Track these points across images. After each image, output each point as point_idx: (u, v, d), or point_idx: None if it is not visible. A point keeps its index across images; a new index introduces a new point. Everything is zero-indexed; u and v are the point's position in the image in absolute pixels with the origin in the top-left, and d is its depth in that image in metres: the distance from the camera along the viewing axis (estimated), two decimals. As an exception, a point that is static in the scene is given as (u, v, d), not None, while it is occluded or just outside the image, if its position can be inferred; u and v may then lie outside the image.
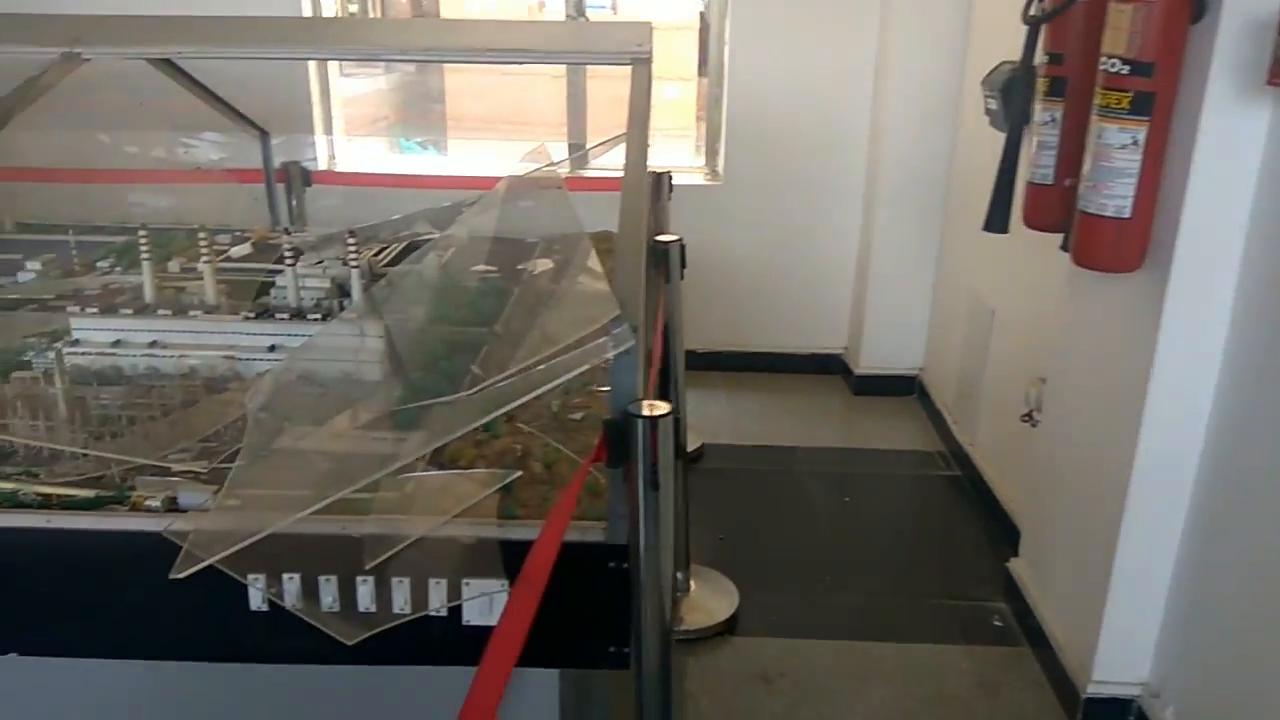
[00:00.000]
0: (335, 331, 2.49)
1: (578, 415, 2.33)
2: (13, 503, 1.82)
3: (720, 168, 5.90)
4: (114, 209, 4.55)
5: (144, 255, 2.70)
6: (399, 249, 3.81)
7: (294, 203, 4.26)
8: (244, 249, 3.76)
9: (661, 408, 1.55)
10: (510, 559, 1.70)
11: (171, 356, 2.47)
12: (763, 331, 6.00)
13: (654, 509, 1.59)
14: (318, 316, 2.55)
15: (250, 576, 1.75)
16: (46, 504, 1.83)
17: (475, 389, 1.93)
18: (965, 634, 3.86)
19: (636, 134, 2.32)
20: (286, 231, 3.40)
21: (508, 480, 1.88)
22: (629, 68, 2.89)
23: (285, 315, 2.55)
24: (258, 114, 4.21)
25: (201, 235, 2.70)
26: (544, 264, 3.66)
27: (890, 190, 5.52)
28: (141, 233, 2.69)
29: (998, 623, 3.92)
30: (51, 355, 2.48)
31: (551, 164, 3.77)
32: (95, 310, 2.55)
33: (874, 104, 5.64)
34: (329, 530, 1.75)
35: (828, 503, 4.75)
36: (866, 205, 5.79)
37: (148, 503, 1.81)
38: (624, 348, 1.54)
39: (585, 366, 1.62)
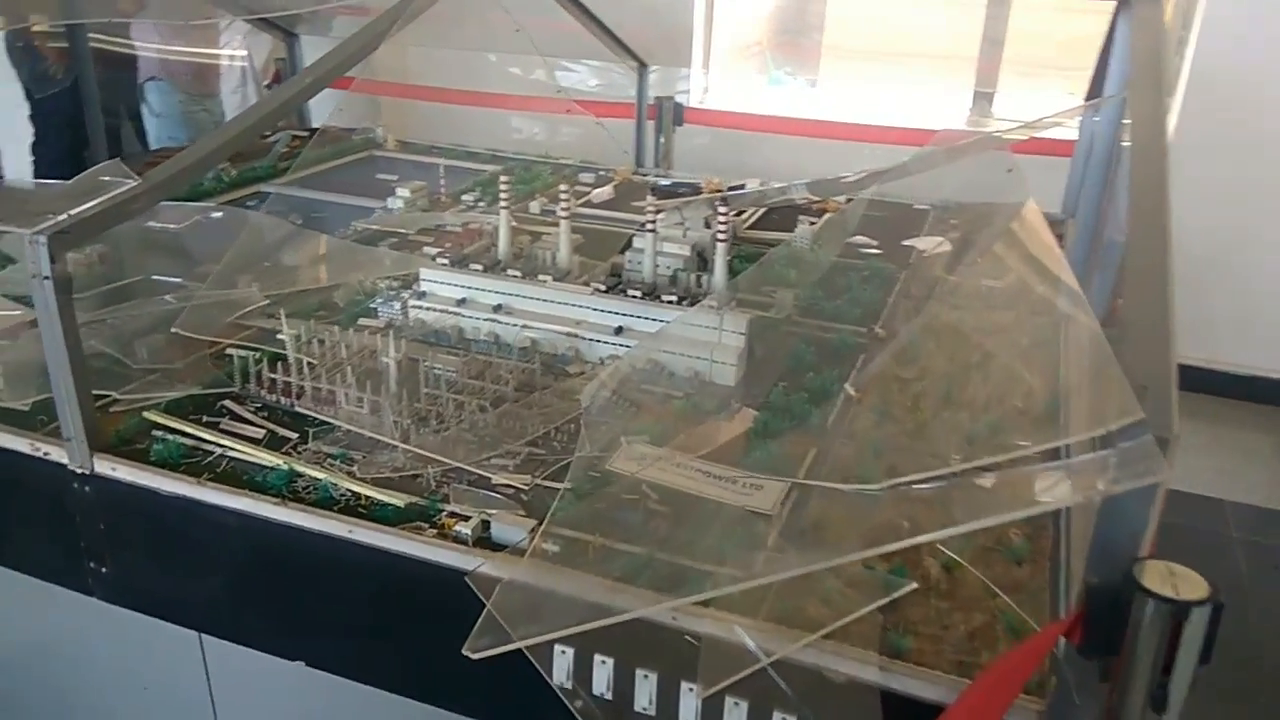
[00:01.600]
0: (693, 321, 2.09)
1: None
2: (323, 495, 1.61)
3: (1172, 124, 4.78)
4: (488, 133, 4.52)
5: (502, 202, 2.45)
6: (760, 211, 3.37)
7: (662, 141, 3.93)
8: (606, 192, 3.50)
9: (1192, 584, 0.96)
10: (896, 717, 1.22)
11: (514, 325, 2.21)
12: (1193, 339, 4.91)
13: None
14: (674, 298, 2.16)
15: (558, 648, 1.41)
16: (354, 505, 1.60)
17: (885, 484, 1.44)
18: None
19: (1147, 96, 1.65)
20: (652, 190, 3.06)
21: (898, 593, 1.39)
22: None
23: (638, 293, 2.19)
24: (636, 43, 3.90)
25: (563, 192, 2.38)
26: (935, 242, 3.06)
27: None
28: (503, 182, 2.43)
29: None
30: (398, 306, 2.32)
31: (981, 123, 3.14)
32: (446, 262, 2.33)
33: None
34: (655, 616, 1.36)
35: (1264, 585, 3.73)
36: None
37: (457, 529, 1.52)
38: (1144, 478, 0.97)
39: (1061, 503, 1.07)
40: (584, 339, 2.17)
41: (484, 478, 1.70)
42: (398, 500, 1.60)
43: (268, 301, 2.31)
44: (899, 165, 2.66)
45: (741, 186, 3.55)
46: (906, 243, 3.03)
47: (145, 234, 2.75)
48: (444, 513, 1.59)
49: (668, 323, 2.13)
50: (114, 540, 1.75)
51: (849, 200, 3.37)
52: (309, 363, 1.93)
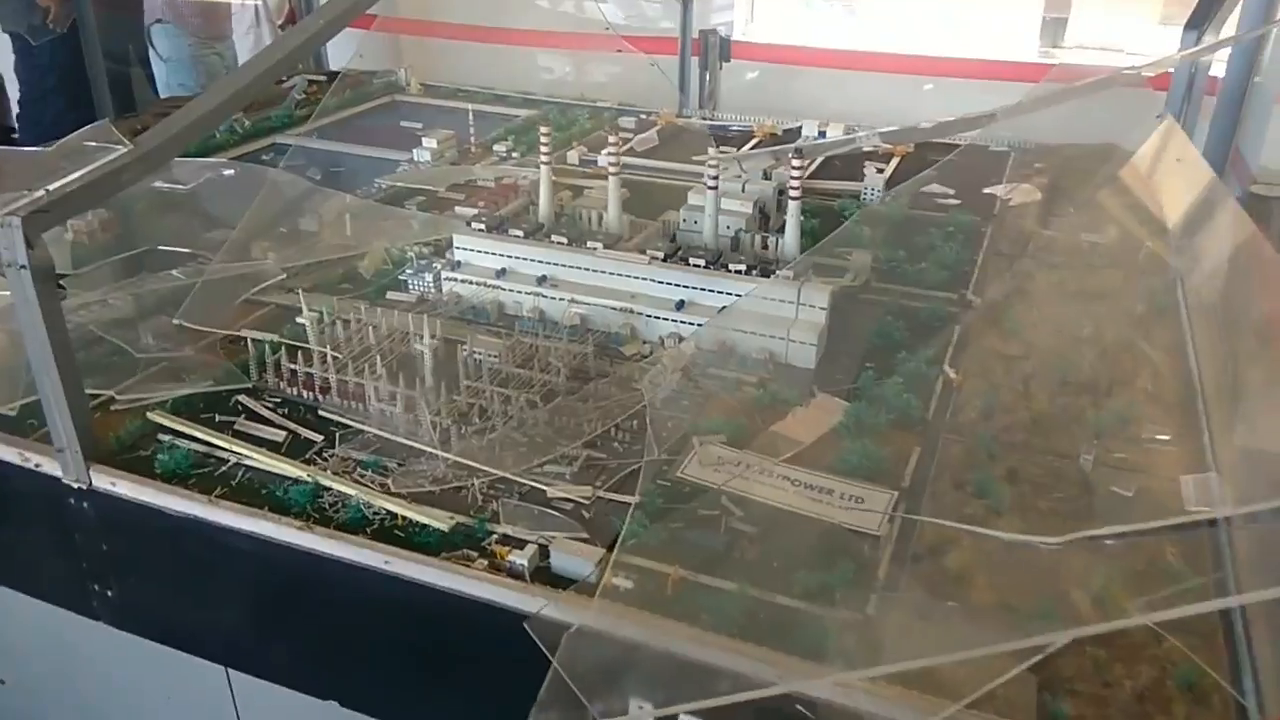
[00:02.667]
0: (768, 295, 1.83)
1: (1129, 491, 1.50)
2: (354, 515, 1.38)
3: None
4: (516, 74, 4.20)
5: (543, 157, 2.18)
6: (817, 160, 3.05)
7: (708, 78, 3.60)
8: (649, 138, 3.20)
9: None
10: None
11: (561, 300, 1.96)
12: None
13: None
14: (741, 266, 1.90)
15: (634, 701, 1.18)
16: (390, 526, 1.37)
17: (1061, 539, 1.19)
18: None
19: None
20: (712, 151, 2.77)
21: (1050, 649, 1.15)
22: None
23: (701, 261, 1.92)
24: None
25: (611, 143, 2.10)
26: (1022, 190, 2.75)
27: None
28: (543, 134, 2.16)
29: None
30: (429, 279, 2.07)
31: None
32: (482, 228, 2.07)
33: None
34: (750, 672, 1.13)
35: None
36: None
37: (511, 559, 1.29)
38: None
39: None
40: (641, 315, 1.91)
41: (538, 490, 1.46)
42: (440, 522, 1.37)
43: (284, 275, 2.06)
44: (1015, 105, 2.34)
45: (798, 130, 3.25)
46: (988, 191, 2.74)
47: (152, 195, 2.51)
48: (494, 536, 1.36)
49: (735, 295, 1.87)
50: (118, 562, 1.54)
51: (914, 146, 3.07)
52: (333, 355, 1.69)
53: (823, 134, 3.20)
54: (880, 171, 2.81)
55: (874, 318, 1.99)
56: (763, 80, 4.03)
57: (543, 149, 2.19)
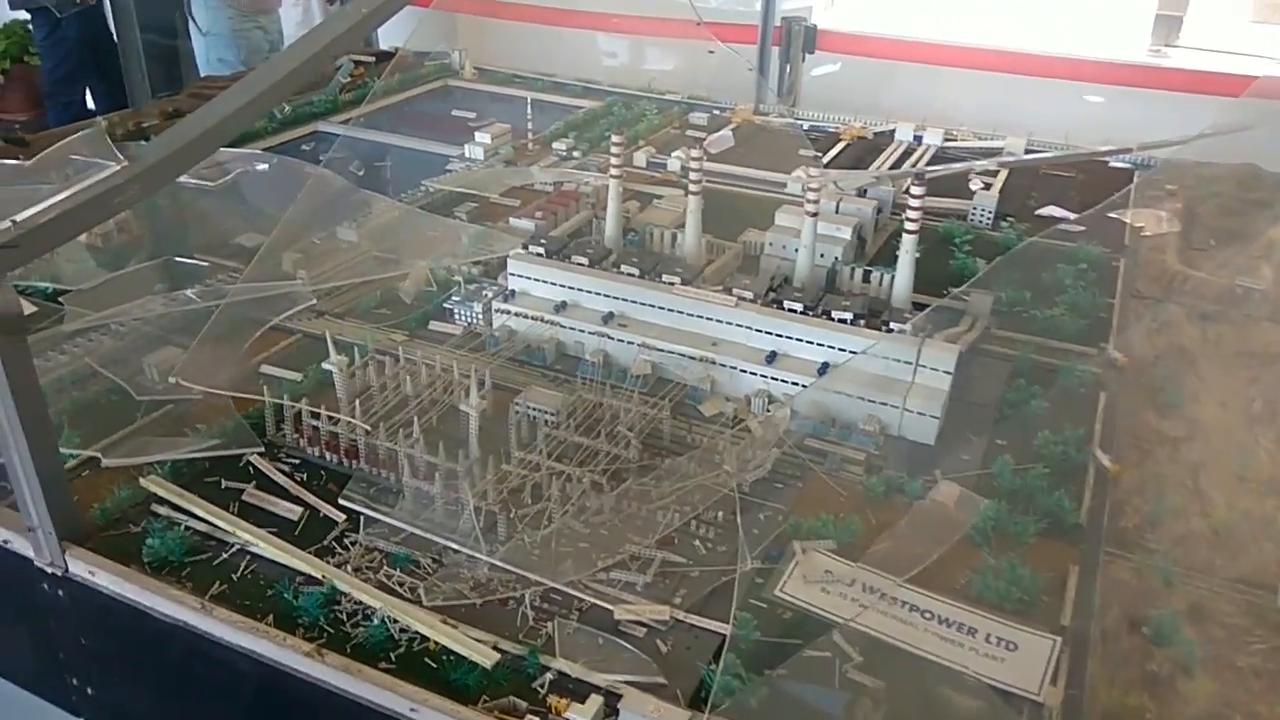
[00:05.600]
0: (884, 355, 1.52)
1: None
2: (376, 636, 1.12)
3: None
4: (576, 58, 3.89)
5: (613, 171, 1.89)
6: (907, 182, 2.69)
7: (789, 70, 3.27)
8: (724, 138, 2.89)
9: None
10: None
11: (630, 343, 1.67)
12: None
13: None
14: (847, 314, 1.59)
15: None
16: (419, 651, 1.10)
17: None
18: None
19: None
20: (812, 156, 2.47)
21: None
22: None
23: (798, 306, 1.62)
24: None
25: (694, 158, 1.80)
26: (1156, 217, 2.40)
27: None
28: (615, 144, 1.87)
29: None
30: (478, 309, 1.79)
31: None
32: (540, 252, 1.79)
33: None
34: None
35: None
36: None
37: (570, 717, 1.01)
38: None
39: None
40: (724, 366, 1.62)
41: (603, 608, 1.18)
42: (482, 656, 1.09)
43: (314, 300, 1.80)
44: (1229, 124, 2.00)
45: (891, 133, 2.91)
46: (1114, 215, 2.39)
47: (175, 193, 2.26)
48: (548, 675, 1.09)
49: (837, 349, 1.57)
50: (97, 658, 1.29)
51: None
52: (362, 413, 1.42)
53: (919, 138, 2.86)
54: (987, 187, 2.48)
55: (999, 377, 1.68)
56: (845, 74, 3.69)
57: (613, 161, 1.90)
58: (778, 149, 2.81)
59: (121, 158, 1.21)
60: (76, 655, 1.30)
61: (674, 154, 2.67)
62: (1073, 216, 2.39)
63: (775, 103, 3.27)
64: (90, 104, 4.14)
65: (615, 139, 1.89)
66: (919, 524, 1.30)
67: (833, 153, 2.77)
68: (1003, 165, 2.51)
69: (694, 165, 1.81)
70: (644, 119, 3.00)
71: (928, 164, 2.69)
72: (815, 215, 1.76)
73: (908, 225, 1.67)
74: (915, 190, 1.64)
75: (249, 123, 1.41)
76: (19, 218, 1.11)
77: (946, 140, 2.84)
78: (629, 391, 1.56)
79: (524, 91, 3.30)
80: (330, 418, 1.40)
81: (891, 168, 2.66)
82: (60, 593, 1.25)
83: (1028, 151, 2.74)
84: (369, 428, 1.39)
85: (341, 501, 1.32)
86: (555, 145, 2.76)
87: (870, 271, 1.84)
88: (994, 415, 1.58)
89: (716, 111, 3.11)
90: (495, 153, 2.68)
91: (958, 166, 2.46)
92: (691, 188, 1.84)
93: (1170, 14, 3.87)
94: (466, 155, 2.68)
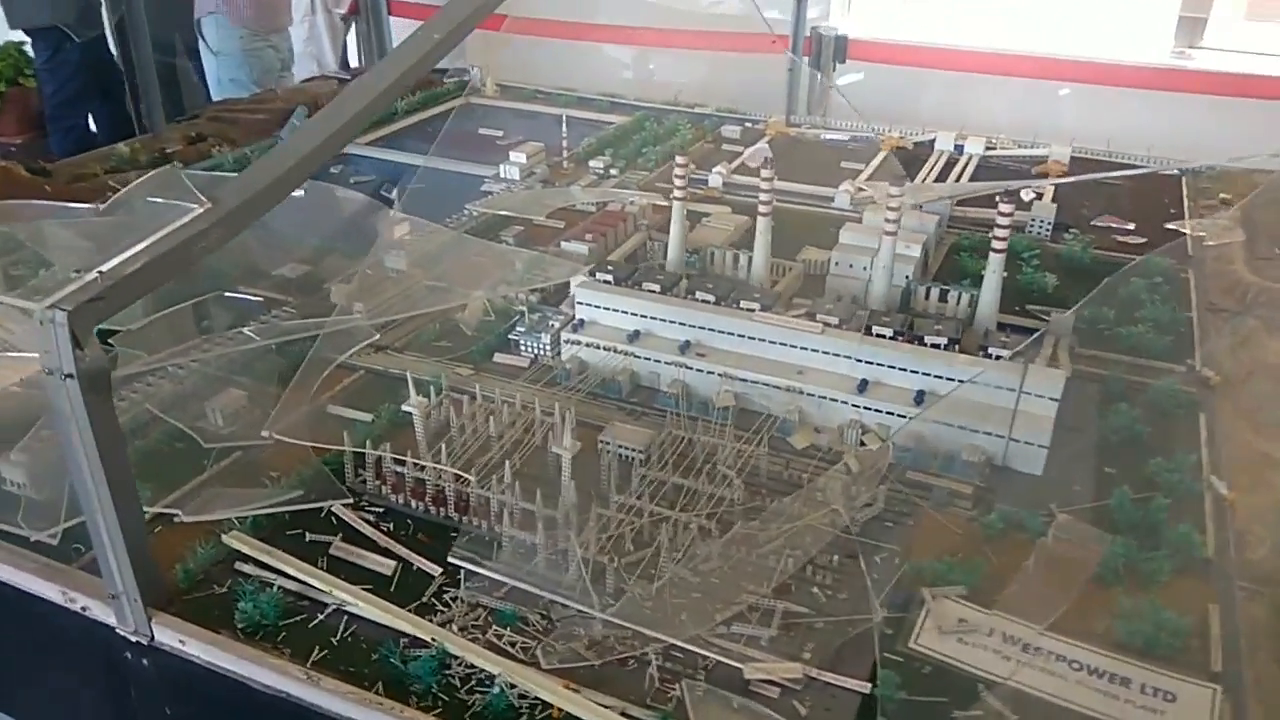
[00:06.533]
0: (985, 381, 1.46)
1: None
2: (498, 705, 1.05)
3: None
4: (600, 73, 3.84)
5: (677, 193, 1.82)
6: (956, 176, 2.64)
7: (819, 79, 3.22)
8: (762, 151, 2.84)
9: None
10: None
11: (710, 373, 1.61)
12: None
13: None
14: (941, 339, 1.53)
15: None
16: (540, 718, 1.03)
17: None
18: None
19: None
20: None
21: None
22: None
23: (887, 332, 1.56)
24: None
25: (765, 176, 1.74)
26: (1217, 225, 2.35)
27: None
28: (679, 165, 1.80)
29: None
30: (546, 340, 1.73)
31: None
32: (608, 279, 1.72)
33: None
34: None
35: None
36: None
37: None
38: None
39: None
40: (811, 395, 1.56)
41: (726, 664, 1.12)
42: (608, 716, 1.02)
43: (378, 336, 1.73)
44: None
45: (930, 143, 2.86)
46: (1172, 226, 2.34)
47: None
48: (684, 753, 1.02)
49: (931, 376, 1.51)
50: (187, 731, 1.21)
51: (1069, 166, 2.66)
52: (447, 458, 1.35)
53: (960, 148, 2.82)
54: (1039, 197, 2.42)
55: (1092, 400, 1.62)
56: (871, 82, 3.63)
57: (677, 182, 1.83)
58: (817, 161, 2.75)
59: (202, 198, 1.14)
60: (159, 727, 1.22)
61: (714, 169, 2.61)
62: (1130, 226, 2.34)
63: (805, 113, 3.22)
64: (93, 128, 4.05)
65: (679, 161, 1.82)
66: (1047, 564, 1.24)
67: (873, 164, 2.71)
68: (1102, 179, 2.47)
69: (766, 178, 1.75)
70: (677, 132, 2.94)
71: (972, 175, 2.64)
72: (895, 234, 1.70)
73: (995, 244, 1.61)
74: (1005, 207, 1.58)
75: (327, 157, 1.33)
76: (105, 268, 1.04)
77: (988, 149, 2.80)
78: (716, 425, 1.50)
79: (549, 108, 3.24)
80: (416, 464, 1.34)
81: (937, 179, 2.61)
82: (145, 661, 1.18)
83: (1073, 159, 2.70)
84: (466, 475, 1.31)
85: (451, 559, 1.25)
86: (592, 163, 2.69)
87: (948, 291, 1.78)
88: (1094, 440, 1.52)
89: (749, 124, 3.05)
90: (530, 172, 2.62)
91: (1082, 177, 2.43)
92: (761, 208, 1.77)
93: (1194, 15, 3.85)
94: (502, 175, 2.61)
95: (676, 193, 1.84)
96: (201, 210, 1.14)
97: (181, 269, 1.13)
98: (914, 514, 1.35)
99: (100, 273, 1.03)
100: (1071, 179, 2.53)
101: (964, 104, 3.32)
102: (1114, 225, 2.34)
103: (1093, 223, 2.36)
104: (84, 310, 1.00)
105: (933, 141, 2.85)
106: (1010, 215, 1.59)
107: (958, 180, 2.59)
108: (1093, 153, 2.79)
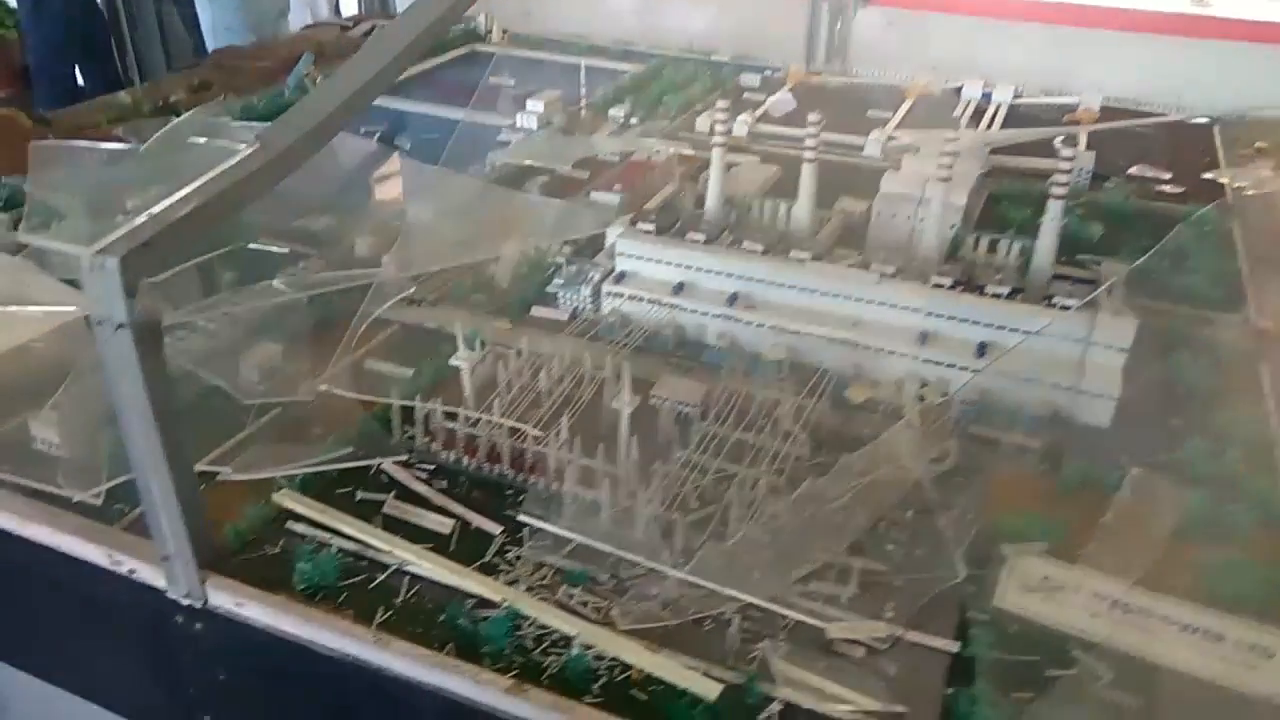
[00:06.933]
0: (1060, 334, 1.42)
1: None
2: (578, 666, 1.01)
3: None
4: (609, 19, 3.73)
5: (717, 138, 1.76)
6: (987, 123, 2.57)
7: (838, 26, 3.13)
8: (785, 101, 2.76)
9: None
10: None
11: (761, 326, 1.56)
12: None
13: None
14: (1003, 289, 1.48)
15: None
16: (624, 687, 0.99)
17: None
18: None
19: None
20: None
21: None
22: None
23: (945, 281, 1.51)
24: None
25: (812, 124, 1.68)
26: (1257, 175, 2.31)
27: None
28: (720, 109, 1.74)
29: None
30: (586, 292, 1.67)
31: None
32: (650, 229, 1.66)
33: None
34: None
35: None
36: None
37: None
38: None
39: None
40: (867, 348, 1.51)
41: (806, 624, 1.08)
42: (704, 688, 0.98)
43: (414, 289, 1.67)
44: None
45: (958, 90, 2.80)
46: (1209, 176, 2.30)
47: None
48: (774, 706, 0.98)
49: (991, 325, 1.47)
50: (238, 696, 1.17)
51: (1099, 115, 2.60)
52: (500, 411, 1.30)
53: (988, 95, 2.76)
54: (1076, 144, 2.37)
55: (1153, 350, 1.58)
56: (891, 28, 3.54)
57: (717, 129, 1.76)
58: (843, 109, 2.68)
59: (249, 136, 1.07)
60: (211, 695, 1.18)
61: (739, 118, 2.54)
62: (1166, 175, 2.29)
63: (823, 60, 3.14)
64: (80, 81, 3.92)
65: (721, 105, 1.75)
66: (1127, 519, 1.21)
67: (901, 111, 2.65)
68: (1135, 125, 2.41)
69: (813, 128, 1.69)
70: (696, 80, 2.86)
71: (1003, 123, 2.58)
72: (949, 179, 1.64)
73: (1056, 189, 1.55)
74: (1066, 151, 1.52)
75: (373, 98, 1.26)
76: (155, 210, 0.97)
77: (1016, 97, 2.74)
78: (773, 379, 1.45)
79: (560, 55, 3.15)
80: (472, 418, 1.28)
81: (967, 126, 2.55)
82: (197, 626, 1.13)
83: (1103, 108, 2.64)
84: (528, 428, 1.26)
85: (521, 517, 1.20)
86: (611, 112, 2.61)
87: (997, 240, 1.73)
88: (1158, 393, 1.49)
89: (768, 72, 2.97)
90: (549, 122, 2.54)
91: (1117, 124, 2.37)
92: (807, 155, 1.71)
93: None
94: (519, 125, 2.53)
95: (717, 138, 1.77)
96: (248, 152, 1.07)
97: (232, 213, 1.06)
98: (984, 469, 1.31)
99: (150, 214, 0.96)
100: (1106, 125, 2.47)
101: (976, 49, 3.24)
102: (1151, 175, 2.29)
103: (1128, 172, 2.30)
104: (136, 256, 0.94)
105: (959, 89, 2.78)
106: (1072, 160, 1.54)
107: (989, 129, 2.52)
108: (1119, 100, 2.73)
